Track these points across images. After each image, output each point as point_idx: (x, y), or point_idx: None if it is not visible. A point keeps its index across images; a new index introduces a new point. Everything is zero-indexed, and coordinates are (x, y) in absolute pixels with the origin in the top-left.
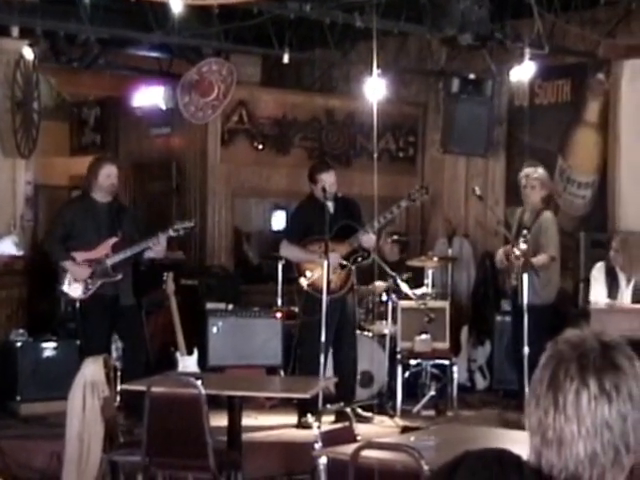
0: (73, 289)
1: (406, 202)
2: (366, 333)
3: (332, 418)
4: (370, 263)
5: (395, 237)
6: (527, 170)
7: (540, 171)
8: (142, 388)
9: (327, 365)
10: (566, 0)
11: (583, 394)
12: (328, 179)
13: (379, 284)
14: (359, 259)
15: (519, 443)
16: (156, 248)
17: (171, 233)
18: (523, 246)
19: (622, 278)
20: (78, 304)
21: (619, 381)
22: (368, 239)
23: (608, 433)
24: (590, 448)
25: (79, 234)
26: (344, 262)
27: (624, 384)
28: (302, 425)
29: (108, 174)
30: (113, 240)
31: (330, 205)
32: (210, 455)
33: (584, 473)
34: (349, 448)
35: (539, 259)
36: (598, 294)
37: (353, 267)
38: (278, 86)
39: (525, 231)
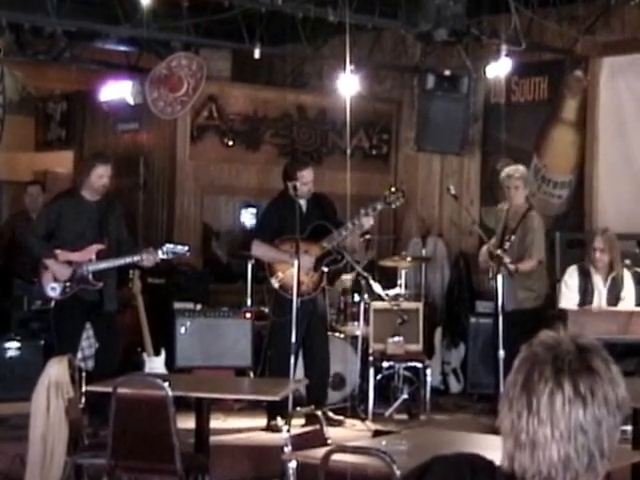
0: (51, 289)
1: (381, 205)
2: (338, 334)
3: (302, 421)
4: (343, 266)
5: (368, 236)
6: (508, 170)
7: (521, 169)
8: (108, 389)
9: (297, 367)
10: None
11: (557, 396)
12: (307, 176)
13: (346, 277)
14: (332, 262)
15: (493, 448)
16: (143, 263)
17: (160, 255)
18: (506, 245)
19: (598, 279)
20: (53, 303)
21: (594, 385)
22: (368, 221)
23: (582, 437)
24: (564, 452)
25: (64, 231)
26: (317, 264)
27: (599, 388)
28: (271, 428)
29: (101, 174)
30: (98, 247)
31: (303, 203)
32: (177, 458)
33: (557, 477)
34: (319, 452)
35: (526, 265)
36: (569, 302)
37: (325, 270)
38: (249, 81)
39: (513, 237)
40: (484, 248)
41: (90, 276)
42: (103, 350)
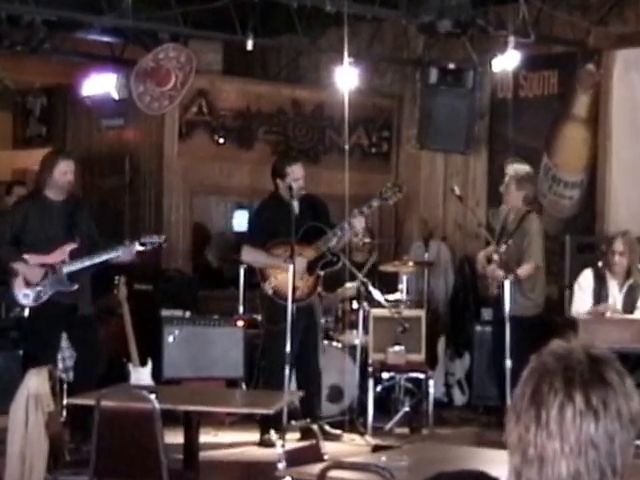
0: (23, 295)
1: (378, 201)
2: (335, 344)
3: (297, 435)
4: (339, 268)
5: (367, 239)
6: (507, 167)
7: (516, 168)
8: (91, 402)
9: (292, 378)
10: None
11: (568, 409)
12: (298, 172)
13: (349, 285)
14: (328, 264)
15: (499, 464)
16: (121, 258)
17: (137, 247)
18: (503, 247)
19: (613, 285)
20: (27, 311)
21: (607, 397)
22: (359, 222)
23: (593, 452)
24: (573, 467)
25: (31, 235)
26: (312, 267)
27: (613, 401)
28: (265, 443)
29: (65, 171)
30: (71, 246)
31: (295, 204)
32: (164, 475)
33: None
34: (315, 468)
35: (523, 270)
36: (582, 304)
37: (321, 273)
38: (241, 75)
39: (510, 240)
40: (481, 254)
41: (65, 277)
42: (82, 359)
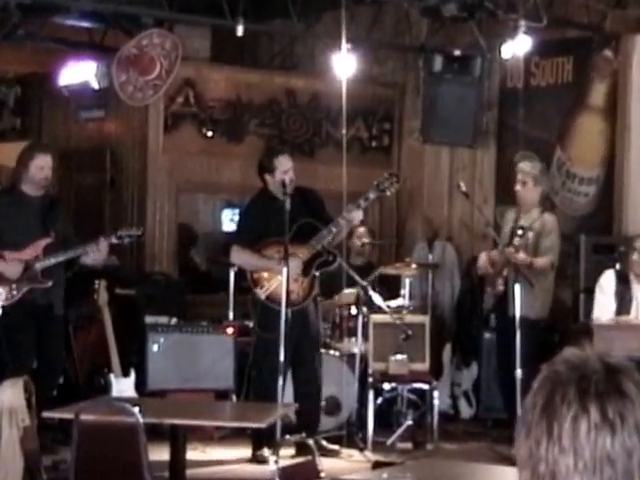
0: None
1: (374, 193)
2: (333, 352)
3: (292, 451)
4: (336, 268)
5: (366, 240)
6: (520, 164)
7: (534, 165)
8: (69, 416)
9: (286, 389)
10: None
11: (582, 422)
12: (286, 163)
13: (348, 292)
14: (323, 264)
15: None
16: (95, 255)
17: (114, 240)
18: (511, 249)
19: (637, 288)
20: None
21: (624, 409)
22: (357, 215)
23: (609, 469)
24: None
25: (5, 231)
26: (307, 268)
27: (630, 413)
28: (257, 459)
29: (41, 166)
30: (45, 241)
31: (287, 201)
32: None
33: None
34: None
35: (539, 261)
36: (604, 308)
37: (317, 274)
38: (231, 63)
39: (520, 231)
40: (483, 254)
41: (39, 273)
42: (45, 359)
